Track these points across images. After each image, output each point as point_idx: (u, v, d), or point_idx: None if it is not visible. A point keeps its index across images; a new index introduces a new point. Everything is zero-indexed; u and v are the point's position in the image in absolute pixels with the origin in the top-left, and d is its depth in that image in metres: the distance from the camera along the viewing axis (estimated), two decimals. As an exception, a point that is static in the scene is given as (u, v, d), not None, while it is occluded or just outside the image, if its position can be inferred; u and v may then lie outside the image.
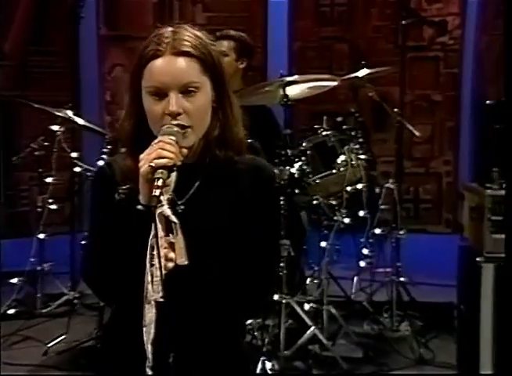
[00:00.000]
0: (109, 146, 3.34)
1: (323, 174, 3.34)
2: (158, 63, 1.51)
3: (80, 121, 3.52)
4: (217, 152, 1.56)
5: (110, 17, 5.71)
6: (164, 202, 1.44)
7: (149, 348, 1.43)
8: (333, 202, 3.37)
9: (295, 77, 3.35)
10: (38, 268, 3.94)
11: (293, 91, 3.33)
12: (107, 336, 1.64)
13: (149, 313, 1.43)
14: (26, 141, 4.30)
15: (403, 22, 4.14)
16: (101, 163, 3.30)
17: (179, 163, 1.46)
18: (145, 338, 1.43)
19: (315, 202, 3.38)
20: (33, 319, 3.95)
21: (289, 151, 3.29)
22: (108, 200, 1.55)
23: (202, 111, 1.53)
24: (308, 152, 3.35)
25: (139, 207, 1.46)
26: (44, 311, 3.99)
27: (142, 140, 1.55)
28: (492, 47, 5.25)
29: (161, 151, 1.43)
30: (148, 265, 1.43)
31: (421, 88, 5.41)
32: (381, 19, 5.53)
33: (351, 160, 3.32)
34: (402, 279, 3.81)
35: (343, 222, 3.35)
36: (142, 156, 1.46)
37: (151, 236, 1.43)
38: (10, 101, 4.71)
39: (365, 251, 3.65)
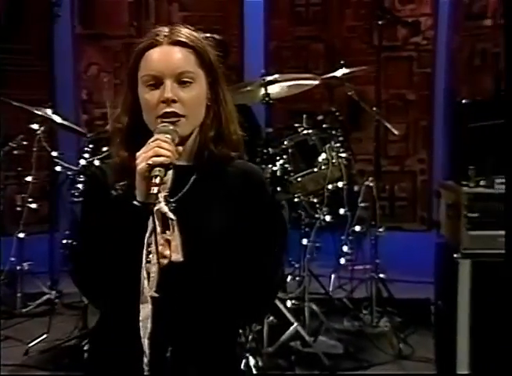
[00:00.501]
0: (90, 146, 3.32)
1: (305, 172, 3.36)
2: (155, 51, 1.53)
3: (60, 121, 3.50)
4: (214, 150, 1.57)
5: (86, 16, 5.67)
6: (161, 199, 1.45)
7: (145, 342, 1.44)
8: (314, 200, 3.40)
9: (276, 77, 3.38)
10: (18, 267, 3.90)
11: (274, 90, 3.35)
12: (98, 334, 1.63)
13: (146, 309, 1.44)
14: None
15: (379, 22, 4.18)
16: (83, 162, 3.30)
17: (175, 161, 1.47)
18: (141, 333, 1.43)
19: (295, 200, 3.40)
20: (12, 319, 3.92)
21: (270, 149, 3.31)
22: (101, 202, 1.55)
23: (196, 102, 1.54)
24: (290, 150, 3.37)
25: (136, 203, 1.46)
26: (24, 310, 3.95)
27: (137, 136, 1.55)
28: (464, 47, 5.33)
29: (158, 149, 1.44)
30: (144, 261, 1.44)
31: (395, 87, 5.48)
32: (356, 19, 5.59)
33: (332, 158, 3.35)
34: (381, 275, 3.86)
35: (324, 220, 3.38)
36: (138, 154, 1.46)
37: (148, 233, 1.44)
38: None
39: (345, 249, 3.68)
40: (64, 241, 3.52)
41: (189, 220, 1.49)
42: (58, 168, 3.42)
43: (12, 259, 3.89)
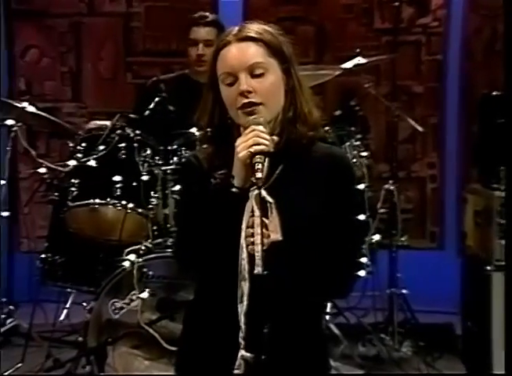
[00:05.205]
0: (83, 144, 3.96)
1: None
2: (226, 50, 2.24)
3: (48, 116, 4.11)
4: (291, 128, 2.26)
5: (23, -13, 6.16)
6: (260, 184, 2.15)
7: (242, 319, 2.11)
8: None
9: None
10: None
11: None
12: (196, 312, 2.34)
13: (244, 286, 2.12)
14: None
15: (396, 3, 4.91)
16: (73, 162, 3.94)
17: (272, 150, 2.18)
18: (239, 310, 2.11)
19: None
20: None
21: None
22: (196, 187, 2.26)
23: (272, 90, 2.25)
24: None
25: (234, 190, 2.16)
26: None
27: (220, 131, 2.29)
28: (483, 29, 5.96)
29: (258, 138, 2.15)
30: (244, 242, 2.12)
31: (399, 78, 5.86)
32: (352, -4, 6.14)
33: (353, 157, 4.08)
34: (403, 291, 4.60)
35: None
36: (237, 143, 2.17)
37: (246, 216, 2.12)
38: None
39: (364, 260, 4.36)
40: (43, 256, 4.15)
41: (280, 204, 2.18)
42: (42, 170, 4.03)
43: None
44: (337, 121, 4.29)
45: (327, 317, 4.55)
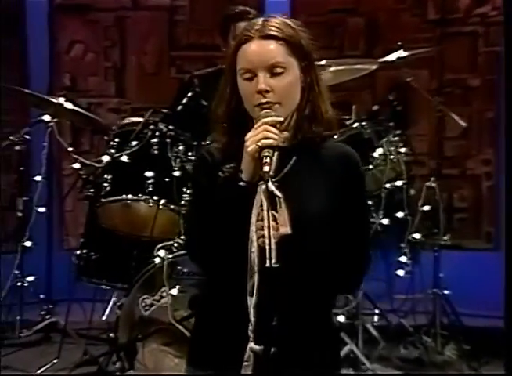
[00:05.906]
0: (116, 140, 4.14)
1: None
2: (247, 46, 2.37)
3: (82, 111, 4.31)
4: (307, 127, 2.39)
5: (67, -18, 6.38)
6: (269, 178, 2.29)
7: (252, 311, 2.25)
8: (369, 202, 4.21)
9: (328, 61, 4.19)
10: (18, 283, 4.71)
11: (326, 76, 4.15)
12: (207, 305, 2.47)
13: (254, 279, 2.26)
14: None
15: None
16: (106, 158, 4.12)
17: (281, 144, 2.32)
18: (249, 303, 2.26)
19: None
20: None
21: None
22: (208, 181, 2.39)
23: (289, 90, 2.36)
24: (342, 145, 4.20)
25: (242, 183, 2.30)
26: (23, 335, 4.77)
27: (235, 123, 2.42)
28: None
29: (267, 133, 2.28)
30: (253, 235, 2.25)
31: (454, 71, 6.11)
32: (405, -15, 6.18)
33: (391, 153, 4.20)
34: (445, 292, 4.69)
35: (381, 224, 4.20)
36: (247, 137, 2.30)
37: (255, 210, 2.26)
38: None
39: (403, 259, 4.47)
40: (78, 252, 4.35)
41: (290, 198, 2.31)
42: (76, 166, 4.22)
43: (17, 272, 4.70)
44: (375, 116, 4.39)
45: (375, 319, 4.67)
